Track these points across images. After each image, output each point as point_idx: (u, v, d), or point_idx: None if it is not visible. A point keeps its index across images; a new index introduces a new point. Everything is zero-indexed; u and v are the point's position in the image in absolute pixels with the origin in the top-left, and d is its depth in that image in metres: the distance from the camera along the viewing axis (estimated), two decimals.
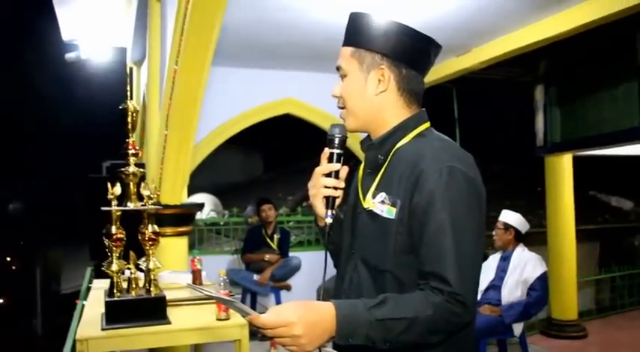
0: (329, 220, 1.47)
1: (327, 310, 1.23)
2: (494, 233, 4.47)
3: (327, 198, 1.47)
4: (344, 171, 1.48)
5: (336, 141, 1.47)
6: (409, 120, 1.45)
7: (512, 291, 4.22)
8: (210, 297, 1.34)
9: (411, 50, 1.43)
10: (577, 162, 6.57)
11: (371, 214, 1.41)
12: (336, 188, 1.47)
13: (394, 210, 1.35)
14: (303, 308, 1.22)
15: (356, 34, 1.44)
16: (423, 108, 1.50)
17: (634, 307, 7.50)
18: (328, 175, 1.47)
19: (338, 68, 1.48)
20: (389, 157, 1.43)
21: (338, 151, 1.47)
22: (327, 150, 1.48)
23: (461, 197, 1.30)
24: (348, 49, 1.46)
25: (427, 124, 1.48)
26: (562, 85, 6.40)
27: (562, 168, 6.38)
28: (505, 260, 4.39)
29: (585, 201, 9.74)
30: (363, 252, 1.43)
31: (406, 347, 1.27)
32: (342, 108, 1.49)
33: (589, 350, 5.77)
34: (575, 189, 6.45)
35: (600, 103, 5.77)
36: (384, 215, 1.37)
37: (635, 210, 11.24)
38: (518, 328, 4.20)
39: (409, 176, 1.33)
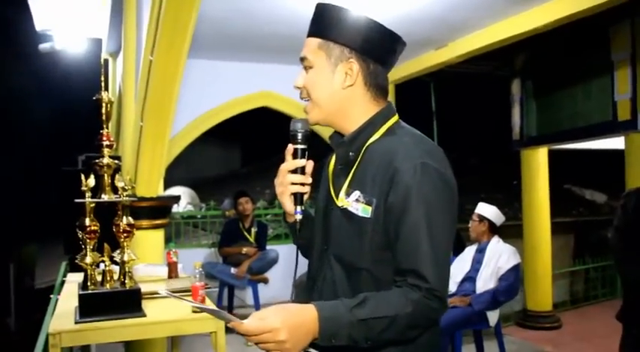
0: (299, 216, 1.47)
1: (309, 313, 1.23)
2: (469, 224, 4.53)
3: (294, 194, 1.47)
4: (309, 166, 1.47)
5: (299, 136, 1.46)
6: (378, 116, 1.45)
7: (486, 283, 4.27)
8: (195, 307, 1.33)
9: (379, 46, 1.42)
10: (552, 155, 6.66)
11: (345, 212, 1.41)
12: (303, 184, 1.46)
13: (369, 209, 1.35)
14: (286, 312, 1.22)
15: (324, 25, 1.43)
16: (390, 101, 1.50)
17: (607, 298, 7.63)
18: (294, 171, 1.46)
19: (302, 59, 1.46)
20: (360, 154, 1.43)
21: (302, 147, 1.46)
22: (290, 147, 1.47)
23: (435, 193, 1.31)
24: (315, 41, 1.44)
25: (395, 118, 1.48)
26: (538, 79, 6.47)
27: (537, 162, 6.46)
28: (481, 252, 4.44)
29: (560, 194, 9.88)
30: (337, 249, 1.43)
31: (384, 344, 1.28)
32: (306, 99, 1.48)
33: (563, 341, 5.86)
34: (550, 182, 6.54)
35: (575, 97, 5.85)
36: (360, 214, 1.37)
37: (608, 203, 11.43)
38: (493, 318, 4.25)
39: (383, 174, 1.34)
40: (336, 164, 1.51)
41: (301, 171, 1.46)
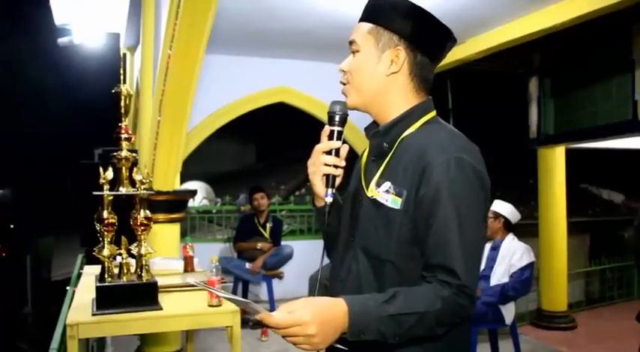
0: (329, 199, 1.44)
1: (340, 307, 1.21)
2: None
3: (327, 176, 1.44)
4: (344, 149, 1.45)
5: (337, 118, 1.43)
6: (416, 108, 1.43)
7: (500, 280, 4.24)
8: (226, 298, 1.31)
9: (429, 38, 1.41)
10: (569, 154, 6.58)
11: (375, 203, 1.39)
12: (336, 166, 1.44)
13: (399, 201, 1.33)
14: (316, 306, 1.20)
15: (377, 11, 1.42)
16: (430, 97, 1.48)
17: (623, 299, 7.55)
18: (328, 153, 1.43)
19: (351, 42, 1.44)
20: (395, 146, 1.41)
21: (339, 129, 1.44)
22: (327, 128, 1.44)
23: (467, 189, 1.30)
24: (366, 25, 1.43)
25: (433, 113, 1.46)
26: (556, 77, 6.40)
27: (554, 161, 6.40)
28: (495, 249, 4.39)
29: (577, 193, 9.79)
30: (364, 240, 1.41)
31: (412, 340, 1.27)
32: (345, 83, 1.47)
33: (578, 341, 5.81)
34: (567, 181, 6.47)
35: (594, 96, 5.78)
36: (389, 204, 1.35)
37: (625, 203, 11.30)
38: (509, 316, 4.22)
39: (415, 167, 1.32)
40: (369, 155, 1.49)
41: (336, 153, 1.44)
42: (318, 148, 1.44)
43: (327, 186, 1.44)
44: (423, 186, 1.30)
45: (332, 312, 1.20)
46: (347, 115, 1.45)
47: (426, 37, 1.41)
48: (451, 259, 1.25)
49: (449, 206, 1.27)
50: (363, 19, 1.45)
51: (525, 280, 4.21)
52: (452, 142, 1.34)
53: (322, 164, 1.43)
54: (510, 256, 4.28)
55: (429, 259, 1.29)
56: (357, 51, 1.43)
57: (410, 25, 1.39)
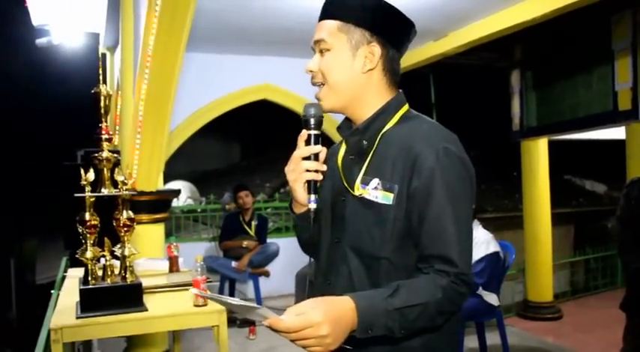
0: (313, 205, 1.39)
1: (347, 304, 1.19)
2: None
3: (308, 182, 1.40)
4: (323, 153, 1.41)
5: (312, 121, 1.39)
6: (391, 103, 1.43)
7: None
8: (236, 305, 1.24)
9: (397, 31, 1.41)
10: (552, 146, 6.64)
11: (363, 201, 1.37)
12: (317, 171, 1.40)
13: (391, 196, 1.33)
14: (326, 305, 1.17)
15: (344, 7, 1.39)
16: (401, 90, 1.47)
17: (607, 288, 7.63)
18: (308, 158, 1.40)
19: (318, 41, 1.41)
20: (375, 142, 1.40)
21: (316, 132, 1.40)
22: (304, 132, 1.40)
23: (458, 178, 1.31)
24: (334, 23, 1.40)
25: (407, 106, 1.46)
26: (538, 69, 6.44)
27: (537, 153, 6.44)
28: None
29: (560, 185, 9.87)
30: (353, 241, 1.39)
31: (415, 333, 1.27)
32: (319, 84, 1.43)
33: (564, 331, 5.87)
34: (550, 173, 6.52)
35: (575, 88, 5.82)
36: (380, 201, 1.34)
37: (608, 193, 11.43)
38: (492, 298, 4.19)
39: (404, 160, 1.32)
40: (347, 154, 1.47)
41: (315, 157, 1.40)
42: (298, 155, 1.40)
43: (309, 192, 1.40)
44: (415, 178, 1.30)
45: (341, 310, 1.18)
46: (322, 117, 1.41)
47: (395, 30, 1.41)
48: (447, 248, 1.27)
49: (442, 196, 1.28)
50: (328, 17, 1.41)
51: (479, 273, 4.08)
52: (436, 133, 1.35)
53: (303, 170, 1.39)
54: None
55: (425, 250, 1.30)
56: (328, 49, 1.40)
57: (380, 20, 1.38)
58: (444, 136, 1.35)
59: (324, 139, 1.43)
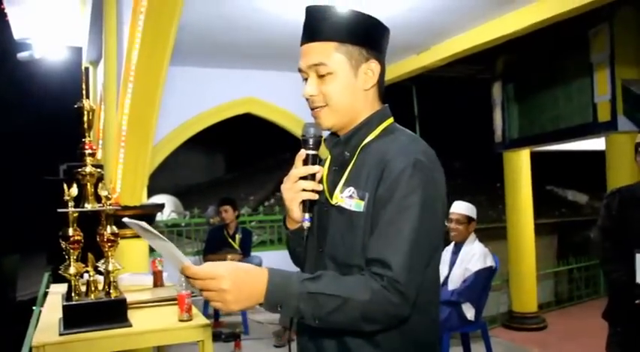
0: (307, 224, 1.41)
1: (260, 274, 1.22)
2: (452, 226, 4.33)
3: (304, 201, 1.42)
4: (320, 173, 1.43)
5: (311, 141, 1.41)
6: (375, 116, 1.43)
7: (456, 285, 4.21)
8: (151, 237, 1.34)
9: (385, 43, 1.43)
10: (534, 157, 6.71)
11: (339, 209, 1.39)
12: (314, 191, 1.41)
13: (362, 203, 1.33)
14: (236, 267, 1.22)
15: (337, 27, 1.37)
16: (386, 104, 1.48)
17: (591, 297, 7.69)
18: (304, 178, 1.41)
19: (316, 65, 1.38)
20: (356, 153, 1.41)
21: (314, 152, 1.41)
22: (302, 152, 1.41)
23: (422, 191, 1.28)
24: (330, 44, 1.37)
25: (391, 119, 1.47)
26: (519, 81, 6.53)
27: (520, 164, 6.51)
28: (455, 254, 4.35)
29: (543, 195, 9.96)
30: (331, 249, 1.40)
31: (339, 329, 1.27)
32: (318, 107, 1.41)
33: (549, 341, 5.90)
34: (532, 184, 6.59)
35: (555, 100, 5.90)
36: (352, 209, 1.35)
37: (590, 203, 11.55)
38: (469, 312, 4.20)
39: (376, 169, 1.33)
40: (331, 166, 1.48)
41: (311, 177, 1.41)
42: (295, 173, 1.41)
43: (304, 211, 1.42)
44: (382, 184, 1.30)
45: (250, 277, 1.22)
46: (321, 137, 1.43)
47: (383, 44, 1.43)
48: (388, 252, 1.24)
49: (399, 204, 1.27)
50: (319, 39, 1.38)
51: (471, 286, 4.12)
52: (412, 146, 1.35)
53: (300, 190, 1.40)
54: (468, 260, 4.23)
55: (369, 254, 1.28)
56: (330, 73, 1.37)
57: (371, 36, 1.40)
58: (419, 150, 1.34)
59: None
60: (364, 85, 1.40)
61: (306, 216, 1.42)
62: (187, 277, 1.22)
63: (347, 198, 1.37)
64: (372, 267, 1.25)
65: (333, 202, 1.41)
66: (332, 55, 1.37)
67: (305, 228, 1.42)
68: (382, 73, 1.43)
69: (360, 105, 1.42)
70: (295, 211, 1.43)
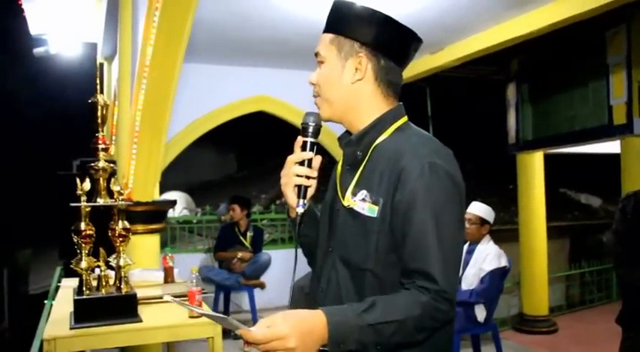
0: (300, 210, 1.44)
1: (318, 318, 1.20)
2: (466, 226, 4.34)
3: (298, 187, 1.44)
4: (317, 160, 1.45)
5: (310, 129, 1.44)
6: (387, 115, 1.43)
7: (471, 285, 4.20)
8: (204, 315, 1.31)
9: (392, 41, 1.41)
10: (548, 159, 6.66)
11: (351, 212, 1.38)
12: (308, 177, 1.44)
13: (376, 208, 1.33)
14: (294, 319, 1.19)
15: (337, 20, 1.42)
16: (401, 102, 1.48)
17: (602, 302, 7.63)
18: (301, 164, 1.43)
19: (316, 54, 1.45)
20: (368, 153, 1.41)
21: (312, 140, 1.44)
22: (300, 139, 1.45)
23: (443, 193, 1.29)
24: (328, 36, 1.43)
25: (405, 119, 1.46)
26: (534, 83, 6.48)
27: (533, 166, 6.46)
28: (470, 253, 4.35)
29: (556, 198, 9.88)
30: (342, 250, 1.41)
31: (393, 347, 1.26)
32: (316, 96, 1.46)
33: (560, 345, 5.85)
34: (545, 186, 6.54)
35: (571, 101, 5.85)
36: (366, 213, 1.35)
37: (603, 207, 11.44)
38: (481, 314, 4.19)
39: (390, 174, 1.32)
40: (344, 164, 1.48)
41: (308, 164, 1.43)
42: (291, 159, 1.45)
43: (298, 196, 1.44)
44: (399, 192, 1.30)
45: (311, 324, 1.19)
46: (320, 126, 1.46)
47: (388, 41, 1.40)
48: (429, 264, 1.25)
49: (425, 211, 1.27)
50: (325, 30, 1.45)
51: (488, 288, 4.14)
52: (425, 147, 1.34)
53: (294, 175, 1.43)
54: (482, 260, 4.24)
55: (407, 265, 1.29)
56: (322, 62, 1.44)
57: (370, 31, 1.39)
58: (433, 150, 1.34)
59: (322, 150, 1.44)
60: (351, 78, 1.40)
61: (300, 202, 1.44)
62: (248, 343, 1.19)
63: (360, 202, 1.36)
64: (415, 280, 1.26)
65: (345, 204, 1.40)
66: (326, 45, 1.43)
67: (299, 214, 1.44)
68: (385, 70, 1.41)
69: (352, 99, 1.42)
70: (290, 196, 1.45)
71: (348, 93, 1.42)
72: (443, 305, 1.24)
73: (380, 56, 1.40)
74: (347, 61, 1.40)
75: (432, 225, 1.27)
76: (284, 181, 1.46)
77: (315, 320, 1.20)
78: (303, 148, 1.44)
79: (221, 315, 1.24)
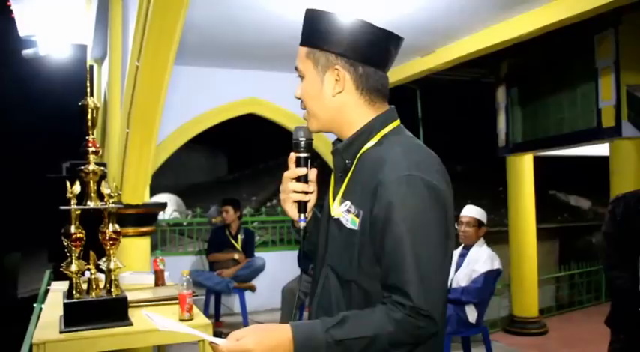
0: (302, 224, 1.45)
1: (284, 333, 1.22)
2: (461, 229, 4.35)
3: (297, 202, 1.45)
4: (312, 173, 1.46)
5: (302, 144, 1.44)
6: (375, 121, 1.40)
7: (459, 285, 4.22)
8: (168, 330, 1.39)
9: (367, 46, 1.36)
10: (537, 162, 6.70)
11: (337, 223, 1.38)
12: (305, 192, 1.45)
13: (357, 221, 1.32)
14: (261, 333, 1.22)
15: (309, 33, 1.40)
16: (392, 106, 1.45)
17: (592, 303, 7.67)
18: (297, 179, 1.44)
19: (296, 68, 1.44)
20: (355, 162, 1.40)
21: (304, 155, 1.44)
22: (293, 155, 1.44)
23: (420, 207, 1.26)
24: (304, 50, 1.41)
25: (396, 122, 1.43)
26: (523, 85, 6.51)
27: (523, 168, 6.50)
28: (463, 256, 4.36)
29: (545, 200, 9.94)
30: (331, 259, 1.41)
31: None
32: (303, 109, 1.46)
33: (550, 346, 5.88)
34: (535, 188, 6.58)
35: (560, 104, 5.89)
36: (349, 225, 1.34)
37: (592, 209, 11.52)
38: (472, 315, 4.21)
39: (369, 186, 1.30)
40: (336, 173, 1.47)
41: (304, 179, 1.44)
42: (286, 175, 1.46)
43: (299, 211, 1.46)
44: (376, 206, 1.28)
45: (276, 340, 1.21)
46: (311, 140, 1.46)
47: (363, 47, 1.36)
48: (403, 280, 1.23)
49: (400, 226, 1.24)
50: (301, 44, 1.42)
51: (481, 288, 4.15)
52: (405, 159, 1.30)
53: (291, 191, 1.45)
54: (475, 262, 4.25)
55: (385, 280, 1.27)
56: (302, 77, 1.43)
57: (343, 40, 1.35)
58: (414, 162, 1.29)
59: (315, 156, 1.45)
60: (331, 91, 1.38)
61: (301, 216, 1.46)
62: None
63: (345, 213, 1.36)
64: (392, 295, 1.24)
65: (333, 214, 1.41)
66: (303, 59, 1.42)
67: (300, 228, 1.47)
68: (365, 77, 1.38)
69: (336, 111, 1.40)
70: (290, 212, 1.48)
71: (332, 105, 1.40)
72: (420, 321, 1.22)
73: (358, 64, 1.36)
74: (325, 75, 1.38)
75: (409, 240, 1.24)
76: (282, 197, 1.47)
77: (281, 336, 1.22)
78: (297, 164, 1.45)
79: (191, 330, 1.32)
